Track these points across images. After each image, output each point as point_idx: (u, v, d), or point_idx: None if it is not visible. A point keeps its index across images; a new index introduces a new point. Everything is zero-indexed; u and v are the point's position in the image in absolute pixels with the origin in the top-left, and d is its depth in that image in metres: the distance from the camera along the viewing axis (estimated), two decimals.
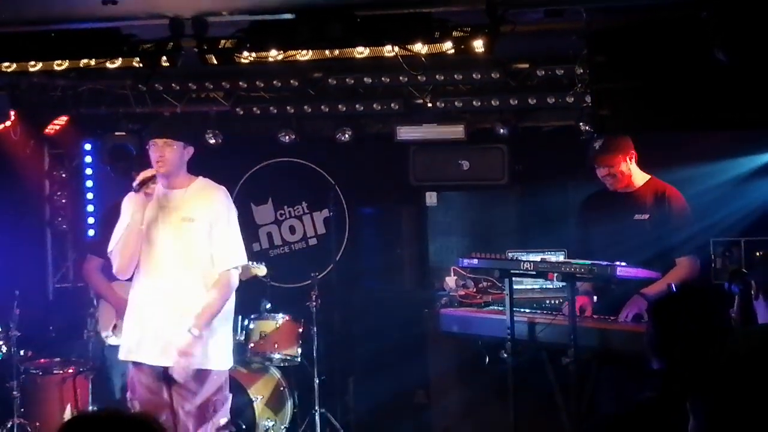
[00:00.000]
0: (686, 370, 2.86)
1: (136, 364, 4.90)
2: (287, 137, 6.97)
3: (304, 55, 5.08)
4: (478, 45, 4.63)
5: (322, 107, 6.82)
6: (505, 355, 5.22)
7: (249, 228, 6.96)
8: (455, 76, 6.46)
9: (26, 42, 5.05)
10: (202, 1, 4.72)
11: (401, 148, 6.88)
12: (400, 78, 6.48)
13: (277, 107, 6.90)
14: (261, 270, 6.20)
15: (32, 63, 5.40)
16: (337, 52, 5.05)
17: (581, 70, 5.79)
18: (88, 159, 7.41)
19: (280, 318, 6.50)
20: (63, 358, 6.47)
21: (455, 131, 6.68)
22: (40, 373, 6.30)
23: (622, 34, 4.89)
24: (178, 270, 4.86)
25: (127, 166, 6.89)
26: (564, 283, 5.15)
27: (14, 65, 5.39)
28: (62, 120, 7.11)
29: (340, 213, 7.33)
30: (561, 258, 5.73)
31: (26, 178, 7.23)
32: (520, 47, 5.87)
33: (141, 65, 5.03)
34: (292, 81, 6.72)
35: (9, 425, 6.04)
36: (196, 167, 7.11)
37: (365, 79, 6.60)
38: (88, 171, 7.40)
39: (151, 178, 4.80)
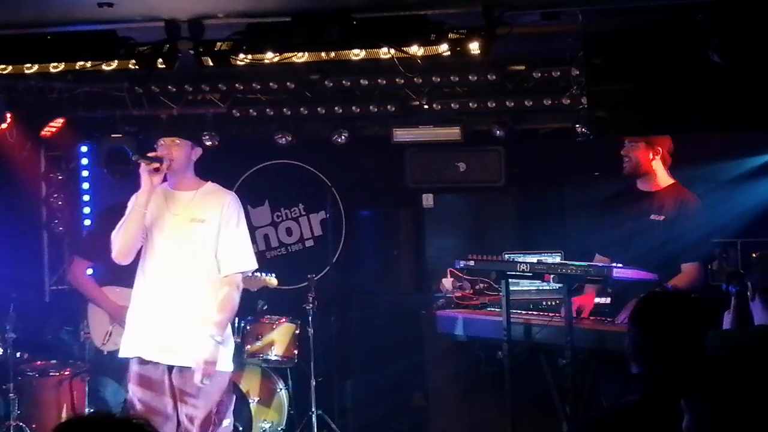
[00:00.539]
0: (672, 374, 2.86)
1: (139, 360, 4.85)
2: (284, 139, 6.98)
3: (301, 58, 5.09)
4: (475, 47, 4.64)
5: (319, 109, 6.83)
6: (502, 357, 5.22)
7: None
8: (452, 78, 6.47)
9: (22, 44, 5.05)
10: (198, 4, 4.72)
11: (398, 150, 6.89)
12: (397, 80, 6.49)
13: (274, 109, 6.91)
14: (272, 281, 6.13)
15: (28, 65, 5.39)
16: (333, 54, 5.05)
17: (577, 72, 5.81)
18: (85, 161, 7.41)
19: (277, 320, 6.50)
20: (59, 361, 6.46)
21: (452, 133, 6.69)
22: (37, 376, 6.29)
23: (618, 36, 4.90)
24: (184, 270, 4.83)
25: (123, 169, 6.92)
26: (560, 285, 5.15)
27: (10, 67, 5.39)
28: (59, 122, 7.10)
29: (337, 215, 7.33)
30: (557, 259, 5.73)
31: (23, 180, 7.22)
32: (517, 49, 5.87)
33: (137, 68, 5.03)
34: (288, 83, 6.72)
35: (6, 427, 6.04)
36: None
37: (362, 81, 6.61)
38: (85, 173, 7.40)
39: (158, 158, 4.79)
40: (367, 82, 6.61)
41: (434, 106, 6.69)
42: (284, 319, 6.49)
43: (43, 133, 7.10)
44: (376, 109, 6.76)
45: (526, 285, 6.03)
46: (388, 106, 6.73)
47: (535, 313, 5.59)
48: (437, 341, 6.10)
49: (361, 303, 7.10)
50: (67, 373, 6.27)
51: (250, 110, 6.94)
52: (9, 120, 6.74)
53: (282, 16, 4.73)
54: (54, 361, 6.46)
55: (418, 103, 6.74)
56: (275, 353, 6.43)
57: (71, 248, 6.22)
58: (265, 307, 6.64)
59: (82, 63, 5.21)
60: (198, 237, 4.85)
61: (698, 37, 4.58)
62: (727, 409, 2.70)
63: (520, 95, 6.49)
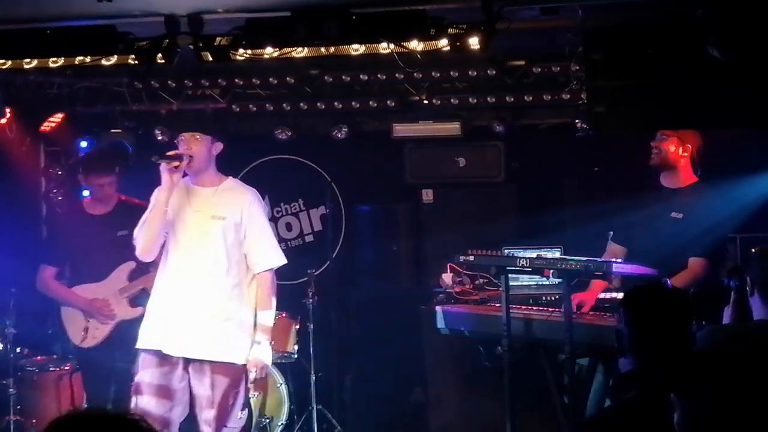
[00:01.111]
0: (666, 367, 2.85)
1: (156, 353, 4.89)
2: (283, 134, 6.98)
3: (300, 53, 5.09)
4: (474, 42, 4.64)
5: (319, 104, 6.82)
6: (501, 352, 5.22)
7: None
8: (451, 73, 6.46)
9: (22, 39, 5.04)
10: None
11: (397, 145, 6.89)
12: (396, 75, 6.48)
13: (274, 104, 6.90)
14: None
15: (28, 60, 5.40)
16: (333, 49, 5.05)
17: (577, 68, 5.80)
18: None
19: (277, 315, 6.49)
20: (59, 356, 6.47)
21: (451, 128, 6.69)
22: (37, 371, 6.30)
23: (617, 31, 4.90)
24: (204, 266, 4.87)
25: (122, 164, 6.92)
26: (560, 280, 5.16)
27: (9, 62, 5.39)
28: (58, 117, 7.10)
29: (337, 210, 7.33)
30: (557, 254, 5.74)
31: (22, 175, 7.21)
32: (516, 44, 5.87)
33: (137, 63, 5.03)
34: (288, 78, 6.72)
35: (5, 423, 6.04)
36: None
37: (361, 76, 6.61)
38: None
39: (177, 156, 4.82)
40: (366, 78, 6.60)
41: (434, 101, 6.69)
42: (284, 315, 6.48)
43: (42, 128, 7.09)
44: (375, 105, 6.75)
45: (525, 280, 6.03)
46: (388, 102, 6.73)
47: (534, 308, 5.60)
48: (437, 336, 6.11)
49: (361, 298, 7.11)
50: (66, 368, 6.28)
51: (250, 105, 6.93)
52: (8, 115, 6.73)
53: (281, 11, 4.73)
54: (54, 357, 6.47)
55: (417, 98, 6.73)
56: (275, 349, 6.42)
57: (37, 257, 6.27)
58: None
59: (81, 58, 5.21)
60: (218, 234, 4.88)
61: (697, 32, 4.58)
62: (723, 405, 2.70)
63: (519, 90, 6.49)
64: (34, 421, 6.12)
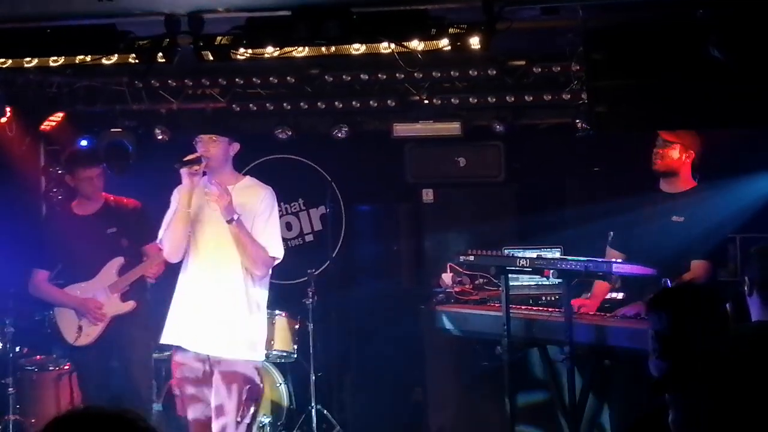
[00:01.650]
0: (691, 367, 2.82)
1: (181, 350, 5.04)
2: (284, 134, 6.97)
3: (301, 52, 5.09)
4: (475, 42, 4.63)
5: (319, 104, 6.82)
6: (501, 352, 5.22)
7: None
8: (452, 73, 6.46)
9: (21, 38, 5.03)
10: None
11: (398, 144, 6.89)
12: (397, 75, 6.47)
13: (274, 104, 6.90)
14: None
15: (28, 59, 5.40)
16: (333, 49, 5.05)
17: (577, 68, 5.79)
18: None
19: (277, 315, 6.50)
20: (58, 355, 6.46)
21: (452, 128, 6.69)
22: (36, 370, 6.30)
23: (618, 31, 4.90)
24: (225, 263, 4.99)
25: (122, 164, 6.92)
26: (560, 280, 5.15)
27: (10, 61, 5.39)
28: (58, 116, 7.10)
29: (337, 210, 7.33)
30: (557, 255, 5.74)
31: (22, 174, 7.21)
32: (517, 44, 5.86)
33: (137, 62, 5.02)
34: (288, 78, 6.71)
35: (5, 422, 6.04)
36: None
37: (362, 76, 6.60)
38: None
39: (196, 159, 4.95)
40: (367, 77, 6.60)
41: (434, 101, 6.68)
42: (284, 314, 6.49)
43: (42, 127, 7.09)
44: (376, 104, 6.75)
45: (525, 280, 6.03)
46: (388, 101, 6.72)
47: (534, 308, 5.59)
48: (436, 336, 6.11)
49: (361, 298, 7.10)
50: (66, 367, 6.28)
51: (250, 105, 6.93)
52: (8, 114, 6.72)
53: (282, 10, 4.72)
54: (53, 356, 6.47)
55: (418, 98, 6.73)
56: (275, 348, 6.42)
57: (30, 261, 6.29)
58: None
59: (81, 57, 5.21)
60: (232, 235, 4.97)
61: (698, 32, 4.58)
62: (723, 405, 2.69)
63: (520, 90, 6.48)
64: (33, 420, 6.12)
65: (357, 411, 6.95)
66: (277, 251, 5.13)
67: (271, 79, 6.73)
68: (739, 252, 6.06)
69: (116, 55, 5.11)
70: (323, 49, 5.04)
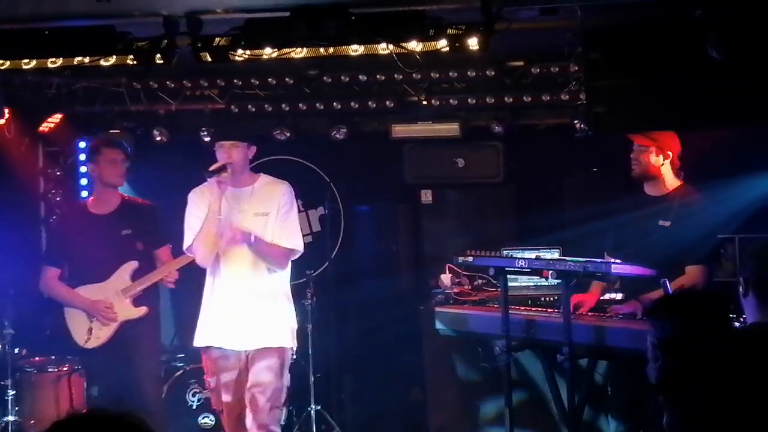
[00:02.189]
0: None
1: (217, 350, 5.21)
2: (282, 135, 6.97)
3: (299, 53, 5.09)
4: (473, 43, 4.63)
5: (317, 105, 6.82)
6: (500, 352, 5.22)
7: None
8: (450, 73, 6.46)
9: (20, 39, 5.03)
10: None
11: (396, 145, 6.89)
12: (395, 76, 6.47)
13: (272, 105, 6.90)
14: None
15: (26, 60, 5.40)
16: (332, 49, 5.04)
17: (576, 68, 5.80)
18: (83, 157, 7.39)
19: None
20: (57, 357, 6.45)
21: (450, 129, 6.69)
22: (35, 372, 6.29)
23: (616, 31, 4.90)
24: (252, 264, 5.19)
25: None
26: (559, 281, 5.15)
27: (8, 63, 5.38)
28: (57, 118, 7.09)
29: (336, 211, 7.33)
30: (556, 255, 5.73)
31: (21, 176, 7.20)
32: (515, 45, 5.86)
33: (135, 63, 5.02)
34: (287, 79, 6.71)
35: (4, 423, 6.03)
36: (192, 165, 7.11)
37: (360, 76, 6.60)
38: (83, 169, 7.37)
39: (223, 167, 5.15)
40: (365, 78, 6.60)
41: (433, 101, 6.68)
42: None
43: (41, 128, 7.09)
44: (374, 105, 6.75)
45: (524, 281, 6.03)
46: (387, 102, 6.72)
47: (533, 308, 5.59)
48: (435, 336, 6.11)
49: (360, 299, 7.10)
50: (65, 369, 6.27)
51: (249, 106, 6.93)
52: (7, 115, 6.72)
53: (280, 11, 4.72)
54: (52, 357, 6.46)
55: (416, 98, 6.73)
56: None
57: (36, 258, 6.27)
58: None
59: (80, 58, 5.21)
60: (263, 229, 5.19)
61: (696, 32, 4.58)
62: (721, 404, 2.69)
63: (518, 91, 6.48)
64: (32, 421, 6.11)
65: (356, 411, 6.95)
66: (299, 243, 5.31)
67: (269, 80, 6.73)
68: (738, 252, 6.07)
69: (115, 57, 5.10)
70: (321, 50, 5.04)
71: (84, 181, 7.38)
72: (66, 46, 5.05)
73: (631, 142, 5.37)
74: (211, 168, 5.16)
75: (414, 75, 6.35)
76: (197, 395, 6.49)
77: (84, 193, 7.36)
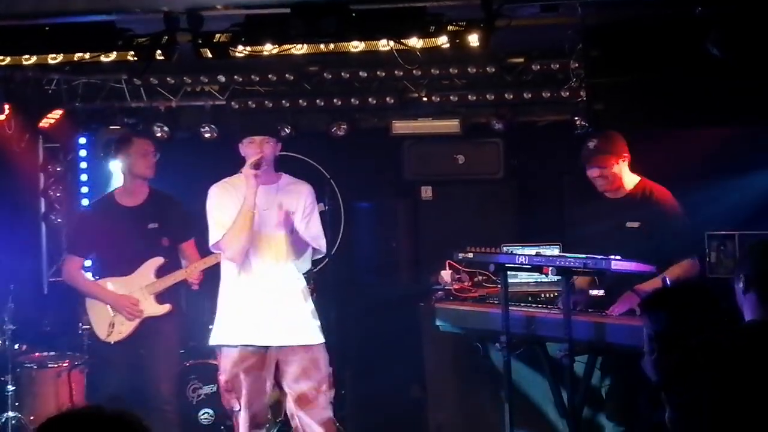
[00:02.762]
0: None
1: (242, 347, 5.12)
2: (282, 131, 6.97)
3: (299, 50, 5.09)
4: (474, 39, 4.63)
5: (318, 101, 6.82)
6: (500, 349, 5.22)
7: None
8: (450, 70, 6.47)
9: (20, 35, 5.04)
10: None
11: (396, 142, 6.89)
12: (396, 72, 6.48)
13: (273, 101, 6.90)
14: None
15: (27, 56, 5.40)
16: (332, 46, 5.05)
17: (576, 65, 5.81)
18: (83, 153, 7.39)
19: None
20: (58, 352, 6.46)
21: (450, 125, 6.69)
22: (35, 367, 6.29)
23: (617, 29, 4.91)
24: (280, 258, 5.14)
25: None
26: (559, 277, 5.15)
27: (8, 59, 5.39)
28: (57, 114, 7.09)
29: (336, 207, 7.31)
30: (556, 252, 5.73)
31: (21, 172, 7.21)
32: (516, 42, 5.87)
33: (136, 59, 5.02)
34: (287, 75, 6.72)
35: (3, 419, 6.04)
36: (192, 162, 7.11)
37: (360, 73, 6.60)
38: (83, 165, 7.38)
39: (260, 162, 5.06)
40: (365, 75, 6.60)
41: (433, 98, 6.69)
42: None
43: (41, 124, 7.08)
44: (374, 102, 6.75)
45: (524, 277, 6.03)
46: (387, 99, 6.72)
47: (533, 305, 5.59)
48: (436, 333, 6.10)
49: (360, 295, 7.11)
50: (65, 364, 6.28)
51: (249, 102, 6.93)
52: (7, 111, 6.72)
53: (281, 7, 4.73)
54: (52, 353, 6.47)
55: (416, 95, 6.73)
56: None
57: (65, 246, 6.23)
58: None
59: (80, 54, 5.21)
60: (290, 227, 5.14)
61: (696, 29, 4.58)
62: (725, 395, 2.68)
63: (519, 88, 6.48)
64: (32, 417, 6.11)
65: (356, 408, 6.95)
66: (323, 244, 5.31)
67: (269, 76, 6.74)
68: (738, 249, 6.07)
69: (115, 53, 5.10)
70: (322, 46, 5.05)
71: (84, 177, 7.39)
72: (66, 42, 5.05)
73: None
74: (252, 161, 5.04)
75: (414, 71, 6.36)
76: (197, 391, 6.49)
77: (84, 189, 7.37)
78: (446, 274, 6.05)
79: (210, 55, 4.91)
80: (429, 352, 6.39)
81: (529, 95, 6.46)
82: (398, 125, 6.80)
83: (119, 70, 6.65)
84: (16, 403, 6.08)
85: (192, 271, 5.84)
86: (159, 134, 7.00)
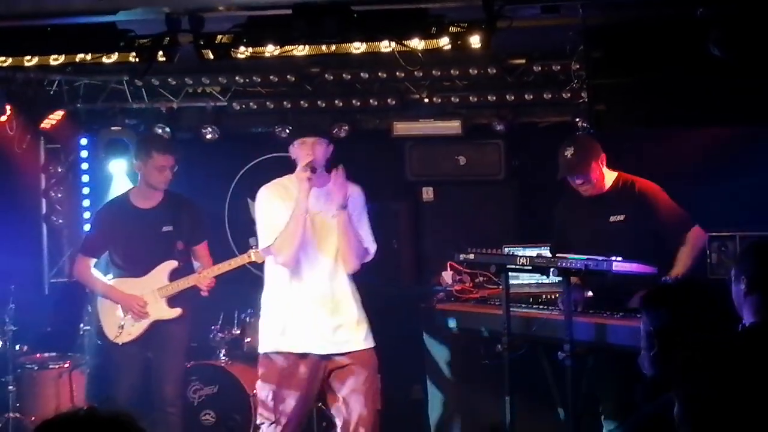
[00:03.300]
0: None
1: (292, 355, 5.03)
2: (284, 132, 6.97)
3: (301, 51, 5.09)
4: (475, 41, 4.63)
5: (319, 103, 6.83)
6: (501, 350, 5.22)
7: (246, 223, 6.95)
8: (452, 71, 6.47)
9: (21, 36, 5.04)
10: None
11: (398, 143, 6.89)
12: (397, 73, 6.48)
13: (274, 102, 6.91)
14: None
15: (28, 57, 5.40)
16: (333, 47, 5.05)
17: (578, 66, 5.80)
18: (85, 154, 7.39)
19: None
20: (59, 353, 6.47)
21: (452, 127, 6.69)
22: (36, 368, 6.30)
23: (618, 29, 4.90)
24: (332, 262, 5.05)
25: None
26: (560, 278, 5.15)
27: (10, 60, 5.39)
28: (58, 115, 7.09)
29: None
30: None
31: (22, 173, 7.22)
32: (517, 43, 5.87)
33: (137, 60, 5.02)
34: (288, 76, 6.72)
35: (4, 420, 6.04)
36: (194, 163, 7.12)
37: (362, 74, 6.61)
38: (85, 166, 7.39)
39: (314, 163, 5.00)
40: (367, 76, 6.60)
41: (434, 99, 6.69)
42: None
43: (42, 125, 7.09)
44: (376, 103, 6.76)
45: (525, 278, 6.03)
46: (389, 100, 6.73)
47: (534, 306, 5.59)
48: (436, 334, 6.11)
49: (361, 295, 7.08)
50: (66, 365, 6.28)
51: (251, 103, 6.94)
52: (8, 112, 6.73)
53: (282, 8, 4.72)
54: (53, 354, 6.47)
55: (418, 96, 6.73)
56: None
57: (77, 246, 6.22)
58: None
59: (81, 55, 5.21)
60: (339, 230, 5.04)
61: (698, 30, 4.58)
62: (724, 394, 2.68)
63: (520, 89, 6.49)
64: (33, 418, 6.12)
65: None
66: (373, 247, 5.21)
67: (271, 77, 6.74)
68: (739, 249, 6.06)
69: (116, 54, 5.10)
70: (323, 47, 5.05)
71: (86, 178, 7.39)
72: (68, 43, 5.05)
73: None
74: (305, 163, 4.96)
75: (416, 73, 6.36)
76: (198, 392, 6.49)
77: (85, 190, 7.37)
78: (447, 275, 6.06)
79: (211, 56, 4.91)
80: (429, 352, 6.39)
81: (531, 96, 6.47)
82: (399, 126, 6.80)
83: (121, 71, 6.65)
84: (17, 404, 6.09)
85: (205, 276, 5.84)
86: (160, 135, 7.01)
